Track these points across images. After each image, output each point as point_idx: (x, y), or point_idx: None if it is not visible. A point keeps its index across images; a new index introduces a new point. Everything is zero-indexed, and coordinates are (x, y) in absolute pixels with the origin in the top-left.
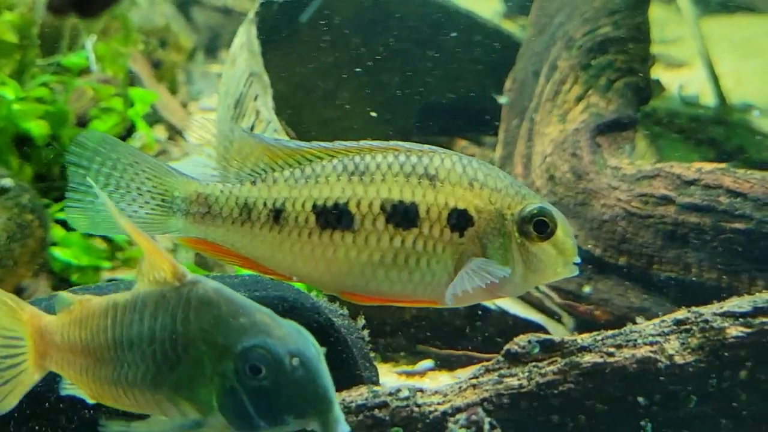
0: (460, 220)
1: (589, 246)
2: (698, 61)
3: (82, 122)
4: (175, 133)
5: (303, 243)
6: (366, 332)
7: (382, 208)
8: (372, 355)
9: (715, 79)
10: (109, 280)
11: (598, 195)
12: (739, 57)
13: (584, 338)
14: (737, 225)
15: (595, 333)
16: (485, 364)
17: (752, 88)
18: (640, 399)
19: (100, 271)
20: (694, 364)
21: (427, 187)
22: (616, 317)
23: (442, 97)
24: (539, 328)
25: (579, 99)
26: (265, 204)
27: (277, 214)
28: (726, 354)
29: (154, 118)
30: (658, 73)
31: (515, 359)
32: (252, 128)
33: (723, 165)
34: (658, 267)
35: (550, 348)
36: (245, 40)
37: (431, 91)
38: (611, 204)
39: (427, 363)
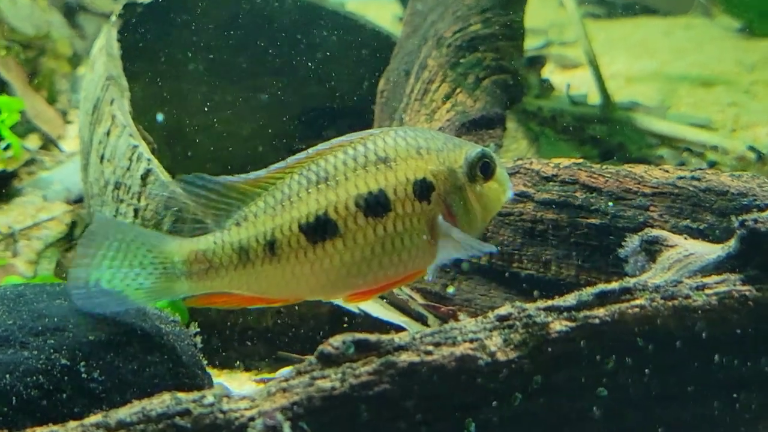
0: (423, 189)
1: None
2: None
3: None
4: (48, 143)
5: (300, 263)
6: (198, 339)
7: (357, 204)
8: (237, 363)
9: (599, 78)
10: None
11: None
12: (633, 57)
13: (402, 336)
14: (592, 220)
15: (416, 331)
16: (297, 366)
17: (641, 87)
18: (461, 397)
19: None
20: (516, 361)
21: (385, 169)
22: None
23: (322, 101)
24: (402, 330)
25: (447, 98)
26: (258, 241)
27: (271, 246)
28: (550, 349)
29: (27, 127)
30: (552, 73)
31: (329, 360)
32: (108, 134)
33: (580, 160)
34: (519, 265)
35: (365, 348)
36: (104, 42)
37: (311, 94)
38: None
39: (288, 370)
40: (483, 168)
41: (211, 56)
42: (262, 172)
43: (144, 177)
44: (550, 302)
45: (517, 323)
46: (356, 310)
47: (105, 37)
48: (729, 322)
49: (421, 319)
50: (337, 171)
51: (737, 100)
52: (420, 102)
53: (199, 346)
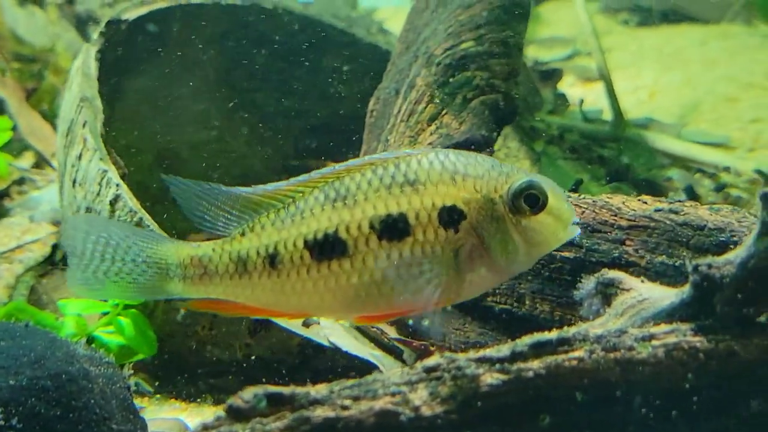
0: (451, 217)
1: None
2: (616, 74)
3: None
4: (42, 161)
5: (303, 280)
6: (133, 381)
7: (371, 226)
8: (205, 396)
9: (612, 93)
10: None
11: None
12: (662, 69)
13: (319, 389)
14: (567, 254)
15: (335, 383)
16: (205, 421)
17: (666, 100)
18: None
19: None
20: (443, 416)
21: (411, 193)
22: (453, 352)
23: (319, 117)
24: (372, 366)
25: (432, 119)
26: (258, 253)
27: (272, 260)
28: (480, 404)
29: (21, 145)
30: (573, 86)
31: (239, 415)
32: (80, 157)
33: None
34: (493, 299)
35: (278, 401)
36: (81, 62)
37: (308, 110)
38: None
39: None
40: (528, 200)
41: (205, 72)
42: (282, 184)
43: (113, 202)
44: (482, 352)
45: (446, 375)
46: (326, 344)
47: (83, 56)
48: (677, 376)
49: (396, 353)
50: (359, 190)
51: (761, 116)
52: (405, 123)
53: (134, 388)
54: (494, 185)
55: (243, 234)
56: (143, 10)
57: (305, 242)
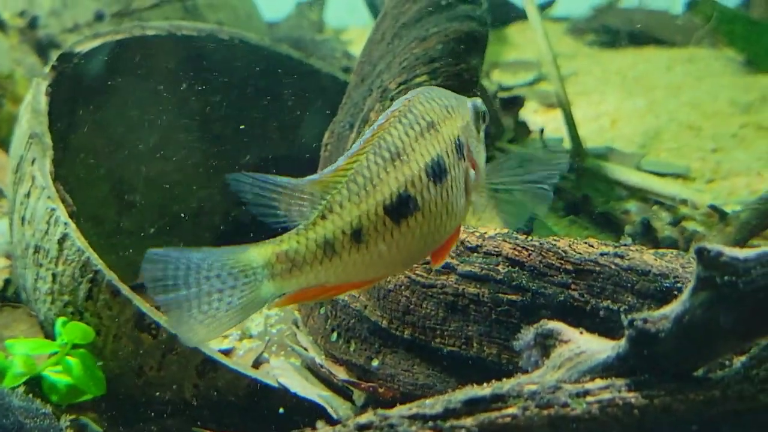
0: (459, 147)
1: (377, 317)
2: (579, 100)
3: None
4: None
5: (387, 244)
6: (83, 420)
7: (427, 174)
8: None
9: (570, 123)
10: None
11: None
12: (626, 94)
13: None
14: (513, 297)
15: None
16: None
17: (628, 128)
18: None
19: None
20: None
21: (436, 134)
22: (402, 394)
23: (279, 148)
24: (320, 408)
25: None
26: (344, 232)
27: (357, 235)
28: None
29: None
30: (536, 113)
31: None
32: (28, 195)
33: (505, 230)
34: (441, 341)
35: None
36: (31, 97)
37: (267, 142)
38: None
39: None
40: (485, 116)
41: (161, 103)
42: (341, 161)
43: (60, 241)
44: (415, 409)
45: None
46: (275, 385)
47: (33, 91)
48: None
49: (346, 394)
50: (404, 143)
51: (722, 146)
52: None
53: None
54: (465, 110)
55: (323, 217)
56: (96, 42)
57: (384, 208)
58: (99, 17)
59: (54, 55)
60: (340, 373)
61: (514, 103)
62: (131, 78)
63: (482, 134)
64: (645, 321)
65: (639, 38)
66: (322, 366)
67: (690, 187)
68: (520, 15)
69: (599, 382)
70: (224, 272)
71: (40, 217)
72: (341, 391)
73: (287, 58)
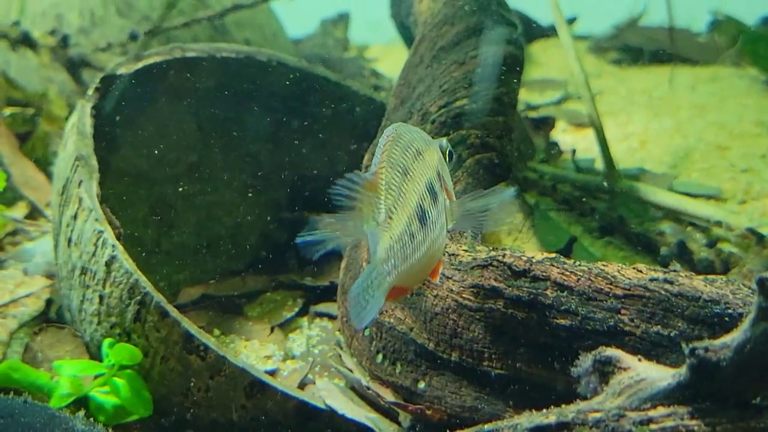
0: (438, 177)
1: (423, 339)
2: (607, 120)
3: None
4: (35, 211)
5: (421, 249)
6: None
7: (428, 191)
8: None
9: (603, 144)
10: None
11: (431, 285)
12: (652, 114)
13: None
14: (562, 321)
15: None
16: None
17: (656, 149)
18: None
19: None
20: None
21: (424, 161)
22: (449, 416)
23: (314, 168)
24: (368, 429)
25: None
26: (406, 233)
27: (412, 238)
28: None
29: (15, 195)
30: (565, 132)
31: None
32: (75, 216)
33: (553, 255)
34: (489, 363)
35: None
36: (76, 119)
37: (302, 162)
38: (443, 295)
39: None
40: (450, 155)
41: (199, 124)
42: (376, 161)
43: (108, 264)
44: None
45: None
46: (323, 407)
47: (78, 113)
48: None
49: (392, 415)
50: (407, 162)
51: (752, 166)
52: None
53: None
54: (435, 146)
55: (390, 218)
56: (138, 65)
57: (417, 216)
58: (133, 37)
59: (86, 74)
60: (387, 395)
61: (546, 124)
62: (170, 99)
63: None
64: (706, 350)
65: (661, 56)
66: (368, 388)
67: (723, 208)
68: (543, 33)
69: (662, 410)
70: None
71: (87, 239)
72: (388, 413)
73: (323, 79)
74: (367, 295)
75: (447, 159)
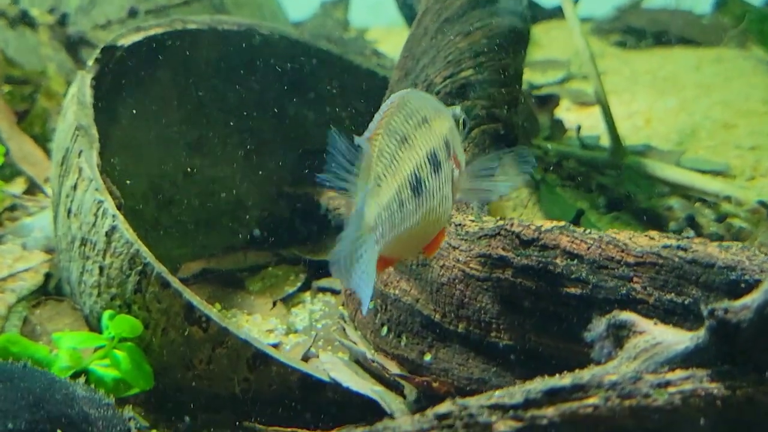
0: (448, 147)
1: (429, 310)
2: (611, 99)
3: None
4: (33, 187)
5: (414, 218)
6: (134, 424)
7: (429, 161)
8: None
9: (610, 121)
10: None
11: (438, 255)
12: (657, 94)
13: None
14: (573, 290)
15: (344, 429)
16: None
17: (661, 127)
18: None
19: None
20: None
21: (429, 130)
22: (456, 389)
23: (316, 143)
24: (373, 402)
25: None
26: (395, 200)
27: (401, 205)
28: None
29: (13, 171)
30: (569, 111)
31: None
32: (75, 187)
33: (562, 223)
34: (497, 335)
35: None
36: (76, 90)
37: (306, 137)
38: (450, 265)
39: None
40: (464, 123)
41: (201, 97)
42: (366, 135)
43: (108, 234)
44: (494, 399)
45: (458, 422)
46: (327, 379)
47: (78, 83)
48: (694, 424)
49: (397, 388)
50: (407, 130)
51: (759, 144)
52: None
53: (135, 429)
54: (448, 114)
55: (378, 186)
56: (139, 36)
57: (409, 184)
58: (132, 14)
59: (85, 52)
60: (392, 368)
61: (550, 101)
62: (172, 72)
63: (461, 140)
64: (726, 311)
65: (664, 38)
66: (373, 360)
67: (732, 184)
68: (545, 14)
69: (680, 373)
70: (359, 233)
71: (87, 209)
72: (393, 385)
73: (326, 53)
74: (356, 266)
75: (460, 127)
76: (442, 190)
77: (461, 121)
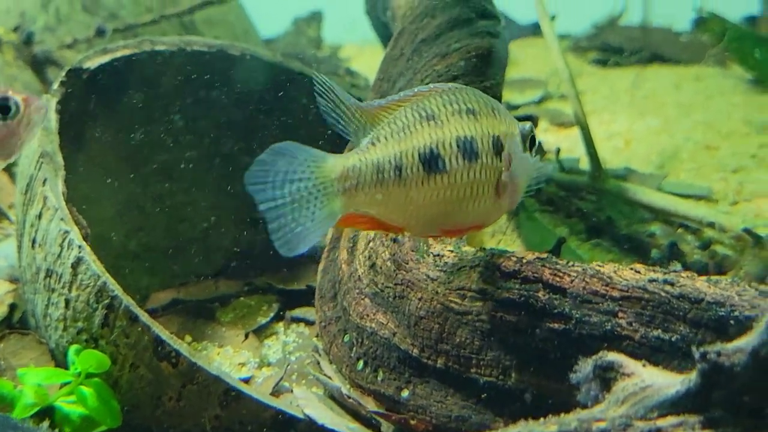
0: (497, 146)
1: (407, 345)
2: (590, 120)
3: None
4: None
5: (419, 191)
6: None
7: (458, 145)
8: None
9: (589, 143)
10: None
11: (416, 287)
12: (637, 113)
13: None
14: (555, 325)
15: None
16: None
17: (642, 148)
18: None
19: None
20: None
21: (473, 121)
22: (435, 427)
23: None
24: None
25: None
26: (389, 162)
27: (398, 170)
28: None
29: None
30: (547, 132)
31: None
32: (39, 216)
33: (544, 255)
34: (477, 370)
35: None
36: None
37: None
38: (428, 298)
39: None
40: (532, 141)
41: (170, 120)
42: (383, 101)
43: (74, 266)
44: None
45: None
46: (301, 416)
47: None
48: None
49: (374, 426)
50: (440, 111)
51: (742, 166)
52: None
53: None
54: (513, 124)
55: (373, 144)
56: (106, 58)
57: (419, 155)
58: (100, 33)
59: (51, 72)
60: (369, 404)
61: (528, 122)
62: (140, 94)
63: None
64: (719, 354)
65: (643, 56)
66: (349, 396)
67: (715, 209)
68: (522, 32)
69: (671, 419)
70: (310, 183)
71: (52, 239)
72: (369, 423)
73: (299, 74)
74: (305, 212)
75: (525, 144)
76: (477, 182)
77: (528, 138)
